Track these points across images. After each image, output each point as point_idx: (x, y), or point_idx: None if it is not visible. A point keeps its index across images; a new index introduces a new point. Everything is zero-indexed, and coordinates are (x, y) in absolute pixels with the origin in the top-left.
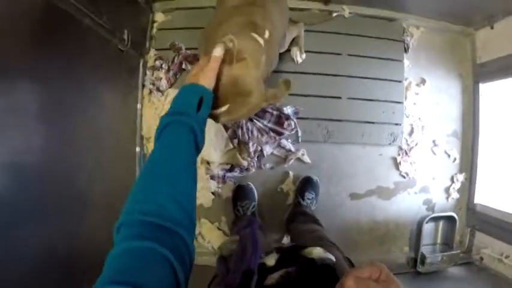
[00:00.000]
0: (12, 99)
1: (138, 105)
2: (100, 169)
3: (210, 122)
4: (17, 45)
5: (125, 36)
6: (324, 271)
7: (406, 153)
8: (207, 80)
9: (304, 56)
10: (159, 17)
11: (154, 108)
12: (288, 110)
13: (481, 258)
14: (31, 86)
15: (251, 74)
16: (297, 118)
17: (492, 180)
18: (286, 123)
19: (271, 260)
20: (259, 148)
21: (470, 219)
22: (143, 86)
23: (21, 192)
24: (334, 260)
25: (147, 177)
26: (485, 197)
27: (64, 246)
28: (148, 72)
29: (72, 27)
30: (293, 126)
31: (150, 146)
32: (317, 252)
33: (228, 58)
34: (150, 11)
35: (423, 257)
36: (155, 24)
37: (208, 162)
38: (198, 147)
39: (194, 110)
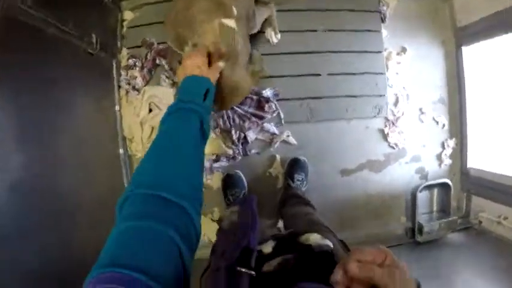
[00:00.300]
0: None
1: (116, 107)
2: (85, 176)
3: None
4: None
5: (93, 40)
6: (322, 258)
7: (393, 124)
8: (212, 76)
9: (279, 36)
10: (128, 15)
11: (132, 107)
12: (267, 92)
13: (480, 222)
14: (3, 105)
15: (244, 75)
16: (278, 100)
17: (484, 143)
18: (266, 106)
19: (267, 248)
20: (243, 135)
21: (465, 184)
22: (119, 87)
23: (6, 210)
24: (331, 246)
25: (155, 153)
26: (479, 160)
27: (57, 258)
28: (122, 72)
29: (36, 39)
30: (274, 109)
31: (133, 147)
32: (314, 238)
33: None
34: (118, 10)
35: (420, 226)
36: (124, 23)
37: None
38: (205, 134)
39: (201, 99)
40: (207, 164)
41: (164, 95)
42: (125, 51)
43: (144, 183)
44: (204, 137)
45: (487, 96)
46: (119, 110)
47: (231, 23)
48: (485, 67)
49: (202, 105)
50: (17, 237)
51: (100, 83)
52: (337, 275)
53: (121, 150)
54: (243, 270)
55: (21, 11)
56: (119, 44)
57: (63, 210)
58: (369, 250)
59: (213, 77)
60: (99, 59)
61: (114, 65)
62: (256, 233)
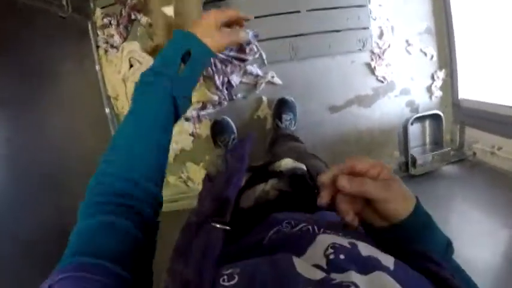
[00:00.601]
0: None
1: (97, 67)
2: (73, 140)
3: None
4: None
5: (64, 2)
6: (294, 181)
7: (379, 57)
8: (200, 29)
9: None
10: None
11: (113, 66)
12: (249, 34)
13: (474, 154)
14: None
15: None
16: (258, 41)
17: (474, 73)
18: (247, 48)
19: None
20: (226, 79)
21: (458, 115)
22: (97, 47)
23: (16, 174)
24: (304, 168)
25: (118, 143)
26: (470, 91)
27: (53, 224)
28: (99, 32)
29: (9, 11)
30: (256, 50)
31: (119, 105)
32: (285, 163)
33: None
34: None
35: (414, 159)
36: None
37: None
38: (178, 110)
39: (175, 68)
40: (194, 112)
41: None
42: (98, 11)
43: (105, 184)
44: (177, 116)
45: (475, 23)
46: (100, 70)
47: None
48: None
49: (175, 78)
50: (11, 210)
51: (78, 46)
52: (324, 198)
53: (107, 110)
54: (217, 225)
55: None
56: (91, 4)
57: (53, 175)
58: (363, 160)
59: (217, 42)
60: (73, 22)
61: (90, 26)
62: (240, 180)
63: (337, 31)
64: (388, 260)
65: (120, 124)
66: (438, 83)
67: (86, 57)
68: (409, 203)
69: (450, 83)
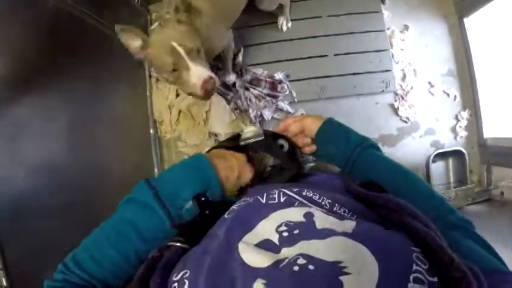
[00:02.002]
0: (43, 103)
1: (148, 93)
2: (120, 152)
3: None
4: (39, 49)
5: None
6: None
7: (403, 98)
8: (226, 164)
9: (290, 24)
10: (156, 17)
11: (162, 93)
12: (279, 75)
13: (502, 193)
14: (55, 87)
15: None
16: (289, 81)
17: (498, 111)
18: (279, 87)
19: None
20: (259, 113)
21: (484, 155)
22: (150, 76)
23: (54, 180)
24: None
25: (98, 242)
26: (495, 129)
27: (93, 227)
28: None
29: (80, 28)
30: (286, 89)
31: (163, 129)
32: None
33: None
34: (146, 12)
35: None
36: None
37: (215, 134)
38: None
39: (182, 205)
40: None
41: None
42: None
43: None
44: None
45: (495, 62)
46: (150, 96)
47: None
48: (490, 34)
49: (176, 214)
50: (54, 213)
51: (134, 73)
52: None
53: (151, 131)
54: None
55: (67, 4)
56: None
57: (91, 190)
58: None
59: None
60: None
61: None
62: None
63: (361, 73)
64: (345, 226)
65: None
66: (463, 123)
67: (140, 83)
68: (318, 123)
69: (475, 123)
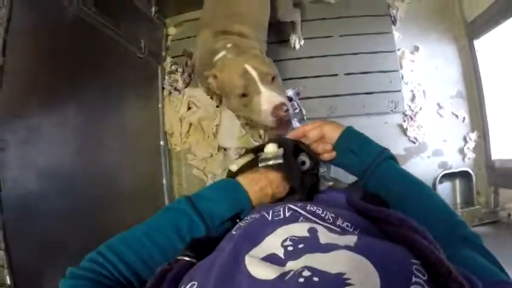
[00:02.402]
0: (55, 109)
1: (160, 105)
2: (129, 161)
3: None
4: (55, 57)
5: (142, 45)
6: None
7: (412, 119)
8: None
9: (302, 42)
10: (172, 30)
11: (174, 106)
12: (289, 92)
13: (509, 215)
14: (68, 94)
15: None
16: (300, 98)
17: (507, 133)
18: (289, 104)
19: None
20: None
21: (491, 177)
22: (163, 88)
23: (63, 184)
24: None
25: (130, 241)
26: (503, 151)
27: (95, 241)
28: (166, 77)
29: (96, 37)
30: (296, 106)
31: (173, 141)
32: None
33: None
34: (163, 25)
35: None
36: (169, 37)
37: (225, 149)
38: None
39: (220, 222)
40: (237, 156)
41: (201, 95)
42: (169, 59)
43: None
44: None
45: (504, 85)
46: (162, 108)
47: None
48: (499, 56)
49: (214, 229)
50: (60, 215)
51: (147, 84)
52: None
53: (162, 142)
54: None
55: (86, 14)
56: (163, 53)
57: (104, 193)
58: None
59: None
60: (147, 64)
61: (160, 71)
62: None
63: (371, 93)
64: (347, 240)
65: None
66: (471, 144)
67: (152, 95)
68: (338, 131)
69: (483, 145)
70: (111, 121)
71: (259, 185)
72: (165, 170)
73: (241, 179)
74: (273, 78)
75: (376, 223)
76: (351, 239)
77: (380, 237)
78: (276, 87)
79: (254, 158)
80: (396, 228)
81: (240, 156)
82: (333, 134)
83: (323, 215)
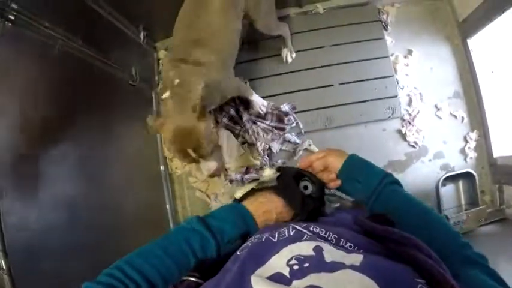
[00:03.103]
0: (53, 146)
1: None
2: (131, 189)
3: (220, 133)
4: (48, 96)
5: (133, 73)
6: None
7: (410, 123)
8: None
9: (294, 55)
10: (162, 54)
11: None
12: (285, 107)
13: None
14: (65, 130)
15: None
16: (296, 112)
17: (507, 129)
18: (286, 119)
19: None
20: (267, 146)
21: (495, 174)
22: (158, 113)
23: (67, 220)
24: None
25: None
26: (504, 148)
27: (104, 263)
28: (161, 102)
29: (87, 72)
30: (293, 120)
31: (173, 165)
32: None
33: None
34: (154, 50)
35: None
36: (160, 61)
37: (226, 169)
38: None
39: (230, 239)
40: (238, 176)
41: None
42: (161, 84)
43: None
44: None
45: (501, 81)
46: (160, 134)
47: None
48: (494, 53)
49: (224, 245)
50: (69, 252)
51: (142, 110)
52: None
53: (162, 167)
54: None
55: (74, 48)
56: (156, 78)
57: (109, 224)
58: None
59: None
60: (140, 90)
61: (154, 95)
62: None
63: (367, 101)
64: (353, 259)
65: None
66: (472, 144)
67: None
68: (341, 160)
69: (484, 143)
70: (110, 152)
71: (263, 209)
72: (168, 194)
73: (246, 203)
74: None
75: (382, 242)
76: (357, 258)
77: (384, 256)
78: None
79: (253, 189)
80: (401, 247)
81: (246, 184)
82: (336, 163)
83: (326, 236)
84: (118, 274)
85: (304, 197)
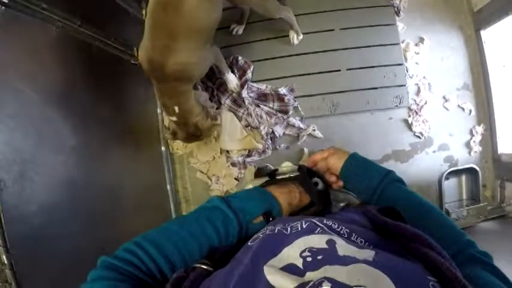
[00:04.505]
0: (52, 136)
1: (158, 110)
2: (132, 171)
3: (223, 116)
4: (47, 77)
5: (135, 52)
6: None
7: (417, 113)
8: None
9: (301, 37)
10: None
11: None
12: (282, 90)
13: None
14: (62, 118)
15: None
16: (301, 96)
17: None
18: (285, 99)
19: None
20: (271, 130)
21: (498, 171)
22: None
23: (72, 211)
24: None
25: (166, 235)
26: (510, 145)
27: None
28: None
29: (86, 51)
30: (292, 102)
31: (174, 146)
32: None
33: None
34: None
35: (447, 213)
36: None
37: (228, 151)
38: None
39: (252, 218)
40: (240, 159)
41: (200, 95)
42: None
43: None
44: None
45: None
46: (161, 113)
47: None
48: (507, 48)
49: (245, 224)
50: (72, 242)
51: (144, 90)
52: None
53: (163, 148)
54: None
55: (73, 29)
56: None
57: (110, 207)
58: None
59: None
60: (141, 70)
61: None
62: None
63: (375, 88)
64: (365, 254)
65: (173, 220)
66: (477, 138)
67: (150, 100)
68: (342, 160)
69: (490, 138)
70: (110, 134)
71: (285, 192)
72: (169, 175)
73: (268, 188)
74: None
75: (393, 238)
76: (369, 254)
77: (395, 252)
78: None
79: (269, 179)
80: (413, 244)
81: (255, 178)
82: (337, 164)
83: (338, 229)
84: (138, 251)
85: (317, 192)
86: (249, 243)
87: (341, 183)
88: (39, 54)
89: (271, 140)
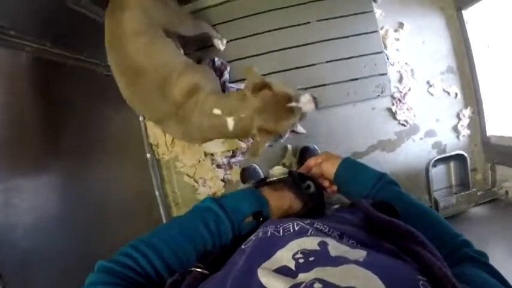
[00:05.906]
0: (35, 159)
1: (141, 118)
2: (118, 181)
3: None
4: (24, 102)
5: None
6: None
7: (400, 101)
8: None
9: (225, 41)
10: None
11: None
12: (218, 62)
13: (506, 193)
14: (43, 136)
15: None
16: None
17: (501, 108)
18: (226, 72)
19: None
20: None
21: (488, 153)
22: None
23: (59, 229)
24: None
25: (160, 237)
26: (498, 127)
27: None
28: None
29: (60, 72)
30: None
31: (160, 151)
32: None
33: None
34: None
35: (436, 202)
36: None
37: (212, 154)
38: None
39: (243, 217)
40: (225, 160)
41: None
42: None
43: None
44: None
45: (497, 57)
46: (143, 120)
47: None
48: (490, 26)
49: (237, 224)
50: (62, 260)
51: (123, 100)
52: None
53: (148, 155)
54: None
55: (44, 51)
56: None
57: (99, 218)
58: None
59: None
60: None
61: None
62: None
63: (356, 79)
64: (356, 255)
65: (167, 222)
66: (465, 121)
67: (130, 109)
68: (335, 165)
69: (477, 120)
70: (93, 146)
71: (276, 195)
72: (156, 181)
73: (261, 190)
74: None
75: (385, 235)
76: (360, 254)
77: (386, 252)
78: None
79: (260, 181)
80: (405, 241)
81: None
82: (330, 169)
83: (329, 233)
84: (135, 254)
85: (308, 194)
86: (242, 246)
87: (335, 188)
88: (11, 82)
89: (253, 139)
